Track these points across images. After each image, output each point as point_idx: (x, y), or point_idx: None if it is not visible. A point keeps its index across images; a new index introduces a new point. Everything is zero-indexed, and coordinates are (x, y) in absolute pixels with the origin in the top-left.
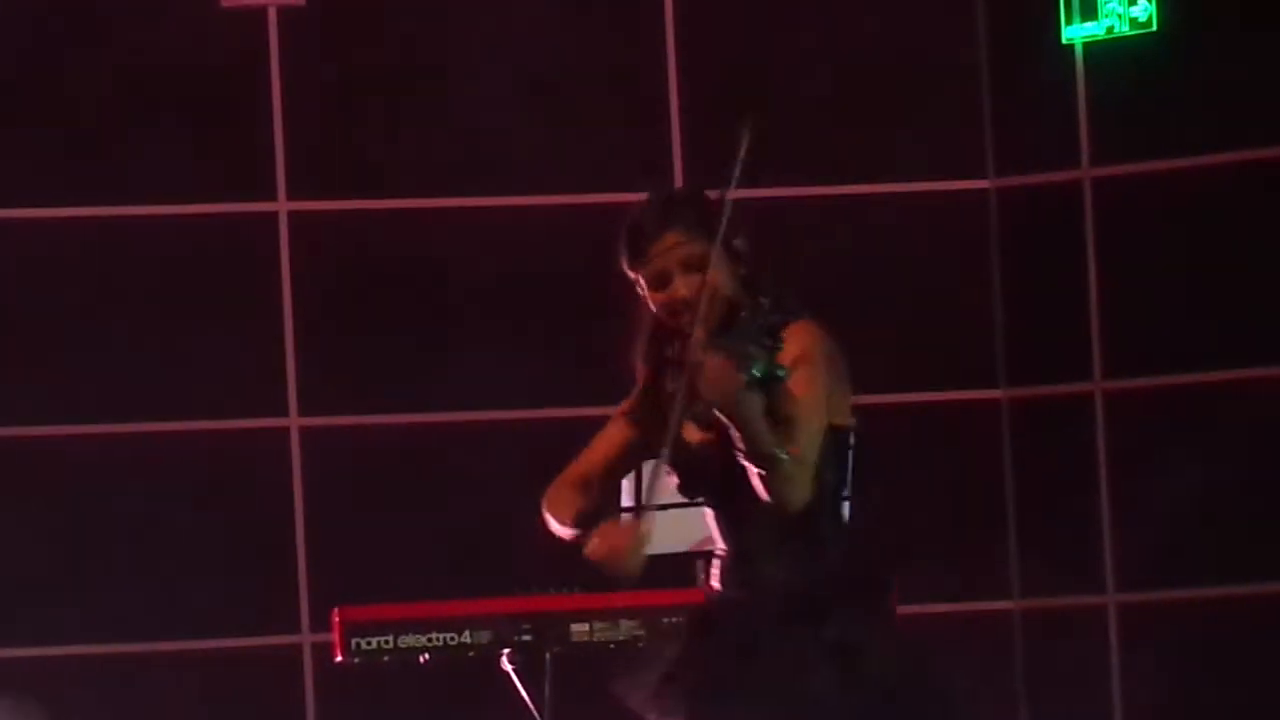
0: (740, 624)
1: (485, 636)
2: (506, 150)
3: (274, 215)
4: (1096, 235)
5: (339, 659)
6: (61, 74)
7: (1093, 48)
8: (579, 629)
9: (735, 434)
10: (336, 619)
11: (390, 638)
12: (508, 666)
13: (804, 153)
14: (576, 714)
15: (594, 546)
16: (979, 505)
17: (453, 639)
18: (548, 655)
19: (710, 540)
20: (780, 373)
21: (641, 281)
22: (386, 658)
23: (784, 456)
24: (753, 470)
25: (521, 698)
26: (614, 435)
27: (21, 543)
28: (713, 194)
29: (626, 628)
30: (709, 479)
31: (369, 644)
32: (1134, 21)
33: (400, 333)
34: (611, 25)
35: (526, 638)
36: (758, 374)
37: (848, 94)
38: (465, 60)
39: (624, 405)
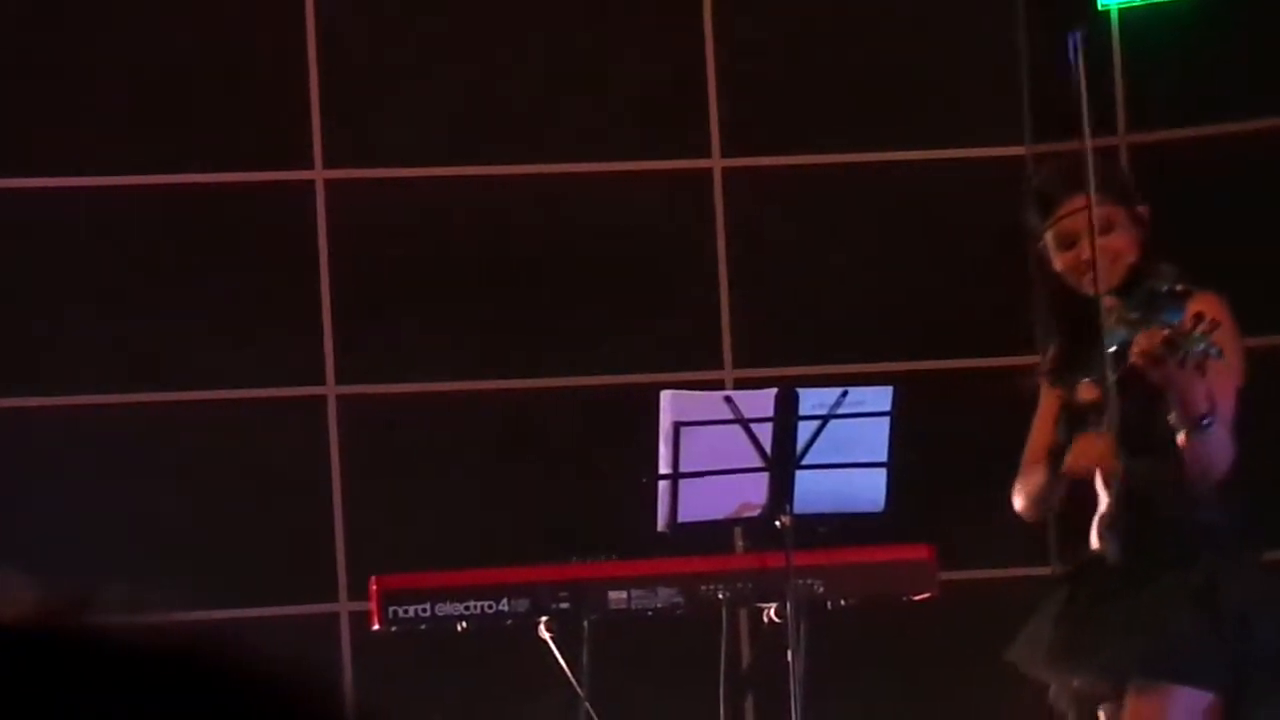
0: (1115, 574)
1: (523, 605)
2: (544, 119)
3: (311, 183)
4: None
5: (376, 627)
6: (101, 44)
7: (1129, 13)
8: (617, 596)
9: (1171, 398)
10: (374, 587)
11: (428, 606)
12: (545, 635)
13: (841, 119)
14: (615, 682)
15: (1071, 461)
16: (1015, 470)
17: (490, 607)
18: (585, 623)
19: (748, 508)
20: (1214, 352)
21: (1047, 240)
22: (424, 626)
23: (1210, 422)
24: (1181, 436)
25: (559, 666)
26: (1045, 412)
27: (61, 511)
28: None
29: (665, 595)
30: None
31: (406, 612)
32: None
33: (438, 301)
34: None
35: (564, 606)
36: (1201, 347)
37: (885, 60)
38: (504, 27)
39: (1043, 371)
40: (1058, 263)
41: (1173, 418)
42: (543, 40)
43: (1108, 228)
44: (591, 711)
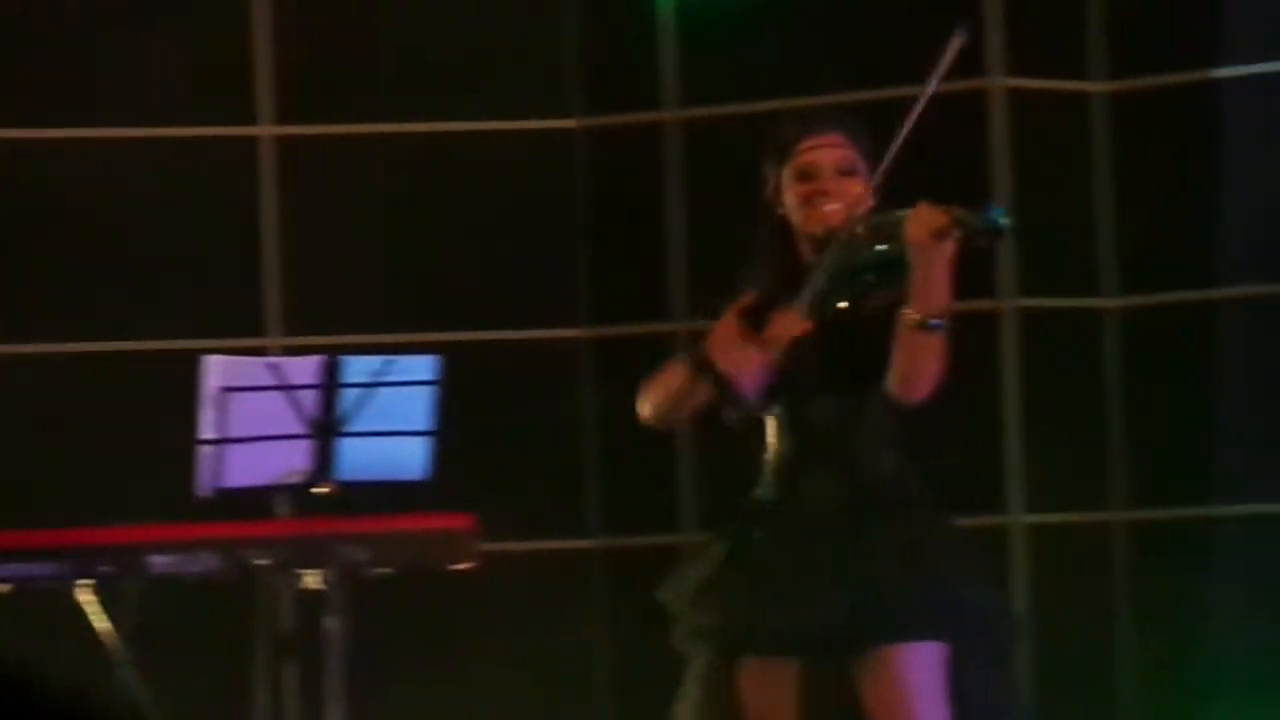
0: (801, 521)
1: (64, 568)
2: (93, 83)
3: None
4: (681, 176)
5: None
6: None
7: None
8: (159, 561)
9: (914, 288)
10: None
11: None
12: (87, 598)
13: (392, 88)
14: (156, 647)
15: (773, 332)
16: (560, 444)
17: (31, 570)
18: (127, 587)
19: (292, 474)
20: (1005, 224)
21: (783, 178)
22: None
23: (942, 324)
24: (901, 342)
25: (101, 630)
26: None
27: None
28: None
29: (206, 560)
30: (804, 372)
31: None
32: None
33: (26, 264)
34: None
35: (106, 569)
36: (975, 224)
37: (438, 31)
38: None
39: (744, 307)
40: (791, 195)
41: (907, 313)
42: (92, 3)
43: (851, 171)
44: (132, 676)
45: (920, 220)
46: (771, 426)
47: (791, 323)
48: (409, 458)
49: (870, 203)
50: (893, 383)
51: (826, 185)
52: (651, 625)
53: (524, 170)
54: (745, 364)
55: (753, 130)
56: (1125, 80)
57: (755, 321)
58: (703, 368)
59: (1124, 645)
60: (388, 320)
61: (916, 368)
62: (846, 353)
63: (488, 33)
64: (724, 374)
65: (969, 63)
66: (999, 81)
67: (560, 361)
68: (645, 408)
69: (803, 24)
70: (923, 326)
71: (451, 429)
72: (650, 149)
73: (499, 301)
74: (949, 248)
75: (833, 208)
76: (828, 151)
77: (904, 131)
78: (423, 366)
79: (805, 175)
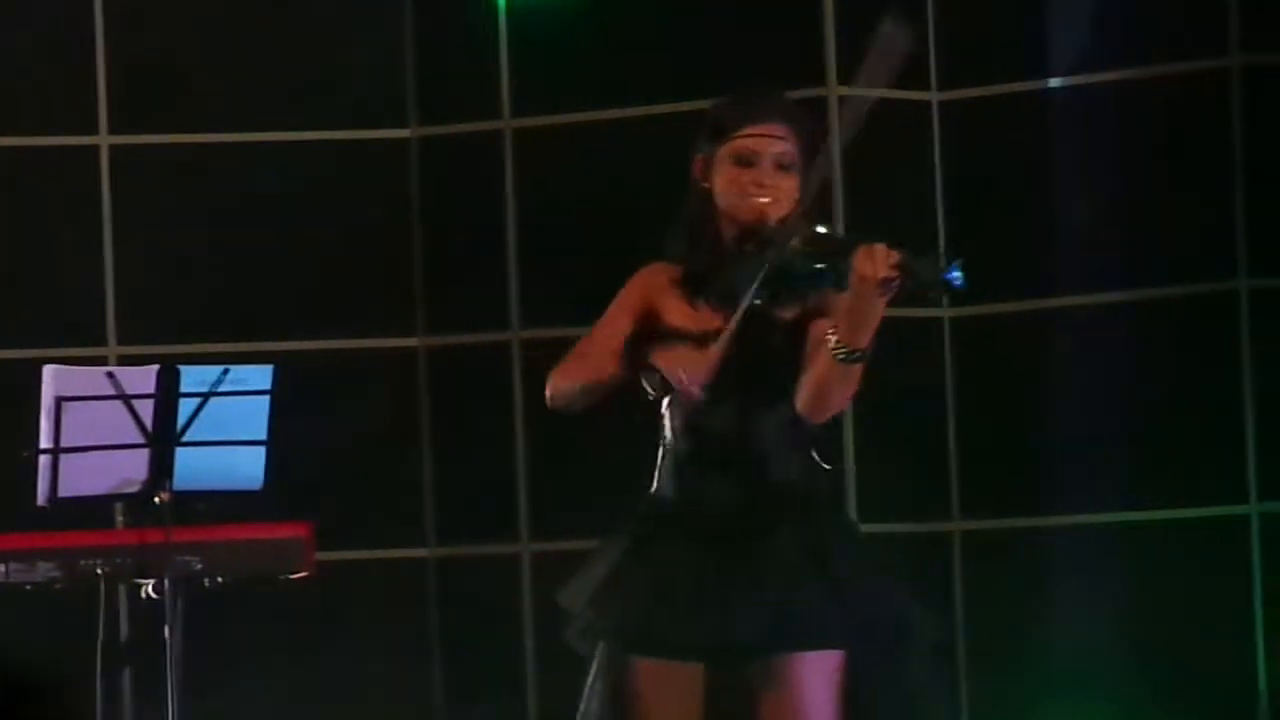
0: (702, 523)
1: None
2: None
3: None
4: (516, 185)
5: None
6: None
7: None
8: None
9: (844, 321)
10: None
11: None
12: None
13: (232, 97)
14: None
15: (666, 360)
16: (396, 453)
17: None
18: None
19: (129, 483)
20: (958, 281)
21: (717, 157)
22: None
23: (863, 356)
24: (825, 361)
25: None
26: (625, 312)
27: None
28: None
29: (43, 569)
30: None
31: None
32: None
33: None
34: None
35: None
36: (927, 279)
37: (274, 40)
38: None
39: (672, 279)
40: (723, 177)
41: (831, 339)
42: None
43: (789, 167)
44: None
45: (874, 261)
46: (668, 422)
47: (709, 319)
48: (246, 467)
49: (800, 203)
50: (802, 401)
51: (762, 177)
52: (486, 634)
53: (360, 179)
54: (698, 370)
55: (588, 139)
56: (958, 90)
57: (682, 292)
58: (647, 370)
59: (961, 654)
60: (225, 329)
61: (830, 394)
62: (755, 353)
63: (323, 42)
64: (673, 381)
65: (807, 71)
66: (835, 90)
67: (397, 370)
68: (555, 388)
69: (637, 33)
70: (847, 358)
71: (288, 438)
72: (485, 158)
73: (336, 311)
74: (892, 292)
75: (765, 200)
76: (771, 142)
77: (840, 140)
78: (259, 376)
79: (743, 161)
